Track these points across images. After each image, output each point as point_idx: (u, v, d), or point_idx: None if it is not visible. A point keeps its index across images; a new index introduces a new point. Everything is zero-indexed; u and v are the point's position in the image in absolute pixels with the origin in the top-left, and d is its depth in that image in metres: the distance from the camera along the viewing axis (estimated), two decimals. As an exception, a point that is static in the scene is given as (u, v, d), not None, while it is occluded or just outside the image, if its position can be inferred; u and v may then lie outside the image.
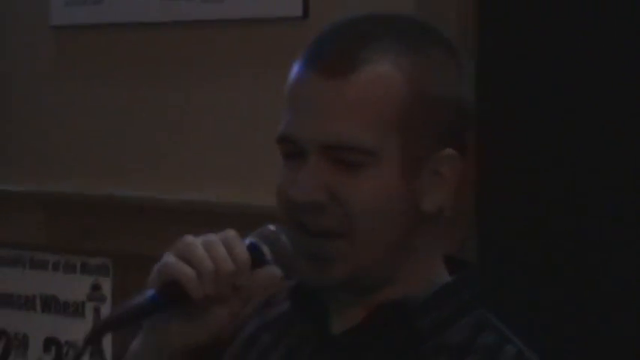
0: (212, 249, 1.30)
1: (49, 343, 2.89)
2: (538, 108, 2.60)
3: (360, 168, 1.33)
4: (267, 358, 1.52)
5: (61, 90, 3.03)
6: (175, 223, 1.66)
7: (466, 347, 1.41)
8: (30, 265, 2.96)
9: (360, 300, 1.43)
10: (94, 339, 1.31)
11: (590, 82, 2.55)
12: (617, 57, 2.56)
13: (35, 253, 2.88)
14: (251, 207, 2.13)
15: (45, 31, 3.05)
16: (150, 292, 1.29)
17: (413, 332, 1.40)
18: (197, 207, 2.56)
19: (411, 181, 1.35)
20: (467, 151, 1.42)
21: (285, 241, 1.36)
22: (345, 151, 1.33)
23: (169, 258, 1.30)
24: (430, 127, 1.36)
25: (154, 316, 1.32)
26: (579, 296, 2.62)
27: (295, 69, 1.38)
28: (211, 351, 1.48)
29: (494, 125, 2.51)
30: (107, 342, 2.74)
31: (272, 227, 1.35)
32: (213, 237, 1.29)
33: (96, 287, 2.80)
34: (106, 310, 2.58)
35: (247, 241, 1.32)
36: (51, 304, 2.91)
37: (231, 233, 1.29)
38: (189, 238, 1.30)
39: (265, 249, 1.34)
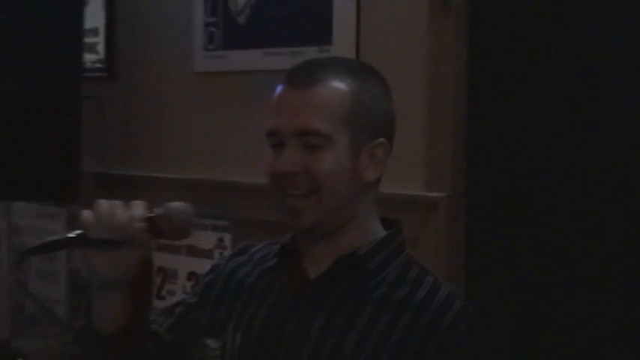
0: (114, 207, 1.54)
1: (190, 275, 3.04)
2: (526, 105, 2.42)
3: (321, 148, 1.60)
4: (260, 299, 1.71)
5: (201, 115, 3.12)
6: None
7: (400, 280, 1.64)
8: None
9: (325, 253, 1.67)
10: (25, 256, 1.65)
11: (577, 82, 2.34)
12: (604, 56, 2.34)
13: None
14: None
15: (189, 77, 3.15)
16: (69, 234, 1.56)
17: (363, 273, 1.64)
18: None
19: (355, 159, 1.62)
20: (393, 140, 1.69)
21: (183, 213, 1.60)
22: (310, 135, 1.60)
23: (83, 213, 1.56)
24: (367, 124, 1.64)
25: (77, 253, 1.74)
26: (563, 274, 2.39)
27: (278, 87, 1.65)
28: (143, 277, 1.67)
29: (485, 115, 2.47)
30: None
31: (179, 204, 1.61)
32: (120, 202, 1.55)
33: (220, 240, 2.94)
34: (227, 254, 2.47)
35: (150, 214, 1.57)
36: (192, 250, 3.01)
37: (138, 202, 1.57)
38: (102, 201, 1.55)
39: (155, 218, 1.57)
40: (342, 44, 2.64)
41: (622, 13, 2.26)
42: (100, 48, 3.42)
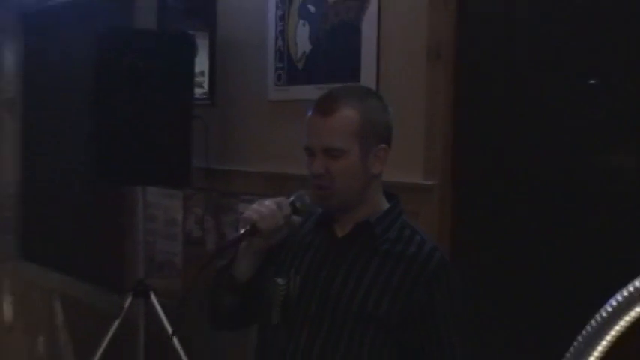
0: (271, 211, 1.60)
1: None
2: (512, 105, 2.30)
3: (339, 157, 1.60)
4: (305, 250, 1.70)
5: (273, 128, 3.10)
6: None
7: (398, 238, 1.65)
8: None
9: (348, 221, 1.67)
10: (206, 265, 1.64)
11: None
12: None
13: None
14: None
15: (265, 104, 3.12)
16: (241, 230, 1.61)
17: (373, 234, 1.65)
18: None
19: (365, 160, 1.63)
20: (391, 144, 1.68)
21: (308, 198, 1.65)
22: (331, 150, 1.60)
23: (249, 215, 1.61)
24: (373, 135, 1.63)
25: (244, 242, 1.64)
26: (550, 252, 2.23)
27: (309, 112, 1.65)
28: (271, 254, 1.68)
29: (472, 115, 2.39)
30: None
31: (302, 191, 1.66)
32: (270, 200, 1.62)
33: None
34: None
35: (290, 199, 1.64)
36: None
37: (281, 199, 1.63)
38: (260, 203, 1.61)
39: (297, 204, 1.64)
40: (367, 81, 2.63)
41: (591, 65, 2.14)
42: (205, 84, 3.43)
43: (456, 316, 1.62)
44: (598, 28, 2.08)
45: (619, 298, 0.57)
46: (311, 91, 2.84)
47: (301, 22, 2.91)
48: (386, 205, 1.69)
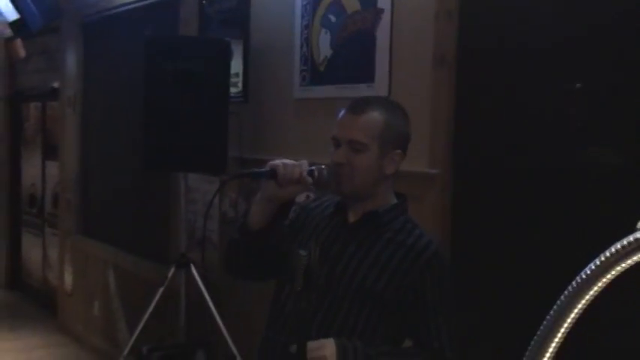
0: (293, 165, 1.57)
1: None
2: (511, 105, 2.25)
3: (360, 152, 1.61)
4: (321, 229, 1.71)
5: (298, 123, 3.08)
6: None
7: (400, 229, 1.66)
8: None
9: (359, 210, 1.67)
10: (229, 181, 1.89)
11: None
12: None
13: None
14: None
15: (291, 101, 3.10)
16: (263, 169, 1.58)
17: (379, 223, 1.66)
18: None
19: (381, 160, 1.63)
20: (406, 150, 1.69)
21: (325, 173, 1.61)
22: (355, 143, 1.61)
23: (275, 162, 1.58)
24: (392, 140, 1.64)
25: (262, 181, 1.60)
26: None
27: (342, 111, 1.67)
28: (286, 206, 1.65)
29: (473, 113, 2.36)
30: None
31: (323, 166, 1.62)
32: (294, 162, 1.58)
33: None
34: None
35: (311, 167, 1.60)
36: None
37: (304, 161, 1.60)
38: (285, 160, 1.57)
39: (315, 173, 1.60)
40: (380, 83, 2.63)
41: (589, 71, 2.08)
42: (239, 84, 3.42)
43: (444, 301, 1.62)
44: (584, 38, 2.06)
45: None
46: (331, 91, 2.87)
47: (323, 30, 2.91)
48: (393, 201, 1.70)
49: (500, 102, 2.29)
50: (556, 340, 0.56)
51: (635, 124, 1.95)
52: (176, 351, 3.12)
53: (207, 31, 3.62)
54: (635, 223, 0.60)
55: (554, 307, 0.57)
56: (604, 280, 0.55)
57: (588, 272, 0.55)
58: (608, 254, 0.55)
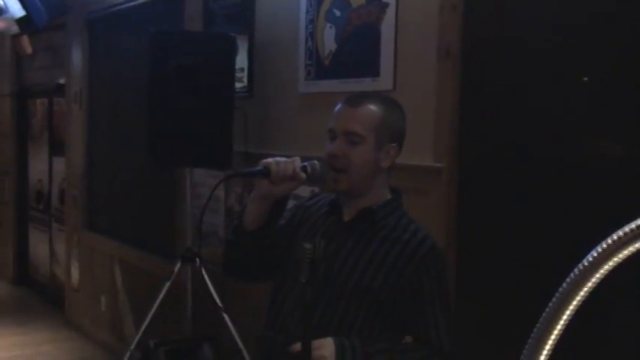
0: (285, 162, 1.56)
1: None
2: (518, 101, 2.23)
3: (356, 144, 1.61)
4: (317, 229, 1.69)
5: (303, 117, 3.08)
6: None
7: (396, 225, 1.65)
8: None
9: (354, 207, 1.66)
10: (221, 182, 1.71)
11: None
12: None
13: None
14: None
15: (297, 96, 3.09)
16: (257, 168, 1.57)
17: (374, 220, 1.65)
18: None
19: (377, 153, 1.63)
20: (402, 145, 1.69)
21: (319, 167, 1.60)
22: (351, 134, 1.60)
23: (268, 160, 1.57)
24: (387, 133, 1.64)
25: (257, 179, 1.58)
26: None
27: (338, 104, 1.67)
28: (281, 204, 1.65)
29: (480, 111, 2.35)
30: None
31: (316, 161, 1.62)
32: (287, 159, 1.57)
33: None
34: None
35: (304, 163, 1.59)
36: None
37: (296, 157, 1.58)
38: (278, 158, 1.56)
39: (308, 168, 1.59)
40: (385, 77, 2.62)
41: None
42: (244, 79, 3.42)
43: (441, 295, 1.62)
44: (590, 32, 2.05)
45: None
46: (336, 85, 2.86)
47: (328, 24, 2.90)
48: (388, 197, 1.70)
49: (505, 95, 2.28)
50: (558, 327, 0.56)
51: (640, 117, 1.95)
52: (182, 345, 3.11)
53: (212, 26, 3.61)
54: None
55: (557, 293, 0.57)
56: (607, 267, 0.54)
57: (591, 259, 0.54)
58: (610, 241, 0.54)
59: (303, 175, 1.58)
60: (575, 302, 0.55)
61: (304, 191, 2.37)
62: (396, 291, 1.58)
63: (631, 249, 0.54)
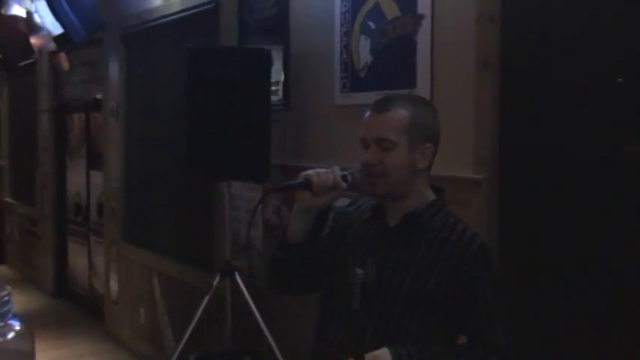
0: (325, 172, 1.58)
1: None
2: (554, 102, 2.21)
3: (389, 150, 1.61)
4: (361, 237, 1.69)
5: (339, 129, 3.06)
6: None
7: (442, 226, 1.64)
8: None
9: (398, 212, 1.65)
10: (262, 200, 1.85)
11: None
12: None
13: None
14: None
15: (333, 108, 3.11)
16: (297, 181, 1.59)
17: (420, 222, 1.64)
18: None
19: (412, 155, 1.62)
20: (437, 145, 1.67)
21: (358, 175, 1.62)
22: (383, 141, 1.60)
23: (308, 172, 1.59)
24: (420, 134, 1.63)
25: (298, 192, 1.59)
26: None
27: (367, 111, 1.67)
28: (323, 215, 1.65)
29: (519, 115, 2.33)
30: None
31: (356, 170, 1.63)
32: (326, 169, 1.59)
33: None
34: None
35: (344, 172, 1.61)
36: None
37: (335, 167, 1.61)
38: (317, 169, 1.58)
39: (348, 177, 1.61)
40: (422, 88, 2.61)
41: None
42: (280, 92, 3.43)
43: (494, 293, 1.61)
44: (624, 36, 2.04)
45: None
46: (372, 97, 2.71)
47: (363, 37, 2.90)
48: (431, 197, 1.68)
49: (545, 103, 2.26)
50: None
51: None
52: (223, 359, 3.13)
53: (247, 39, 3.65)
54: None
55: None
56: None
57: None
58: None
59: (344, 184, 1.58)
60: None
61: (343, 201, 2.37)
62: (449, 292, 1.57)
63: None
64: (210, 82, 3.11)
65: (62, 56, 6.44)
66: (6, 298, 2.92)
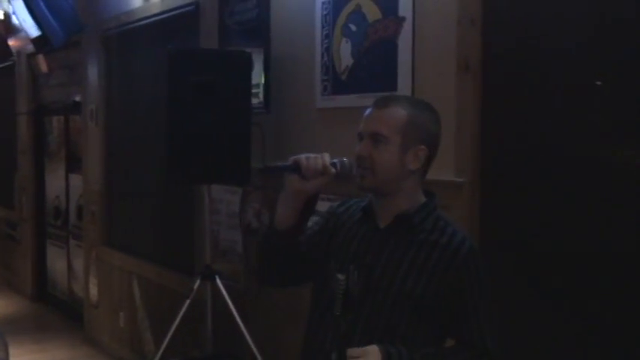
0: (315, 157, 1.57)
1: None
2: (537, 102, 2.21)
3: (381, 144, 1.60)
4: (351, 238, 1.69)
5: (320, 132, 3.07)
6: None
7: (433, 229, 1.63)
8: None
9: (388, 213, 1.65)
10: (261, 174, 1.80)
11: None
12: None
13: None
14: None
15: (314, 111, 3.09)
16: (287, 163, 1.58)
17: (411, 225, 1.64)
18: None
19: (403, 154, 1.62)
20: (434, 151, 1.66)
21: (348, 164, 1.61)
22: (376, 135, 1.60)
23: (298, 156, 1.58)
24: (416, 135, 1.62)
25: (287, 176, 1.58)
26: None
27: (369, 108, 1.67)
28: (311, 202, 1.63)
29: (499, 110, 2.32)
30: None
31: (346, 159, 1.62)
32: (316, 154, 1.58)
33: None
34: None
35: (334, 160, 1.60)
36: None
37: (325, 153, 1.59)
38: (307, 154, 1.58)
39: (337, 164, 1.60)
40: (403, 91, 2.60)
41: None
42: (261, 95, 3.41)
43: (482, 297, 1.61)
44: (603, 40, 2.06)
45: None
46: (353, 100, 2.84)
47: (344, 39, 2.90)
48: (422, 199, 1.68)
49: (526, 105, 2.26)
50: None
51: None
52: (203, 363, 3.11)
53: (228, 42, 3.62)
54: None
55: None
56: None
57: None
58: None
59: (333, 169, 1.58)
60: None
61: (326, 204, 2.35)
62: (438, 295, 1.57)
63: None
64: (191, 84, 3.08)
65: (41, 58, 6.37)
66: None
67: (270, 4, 3.34)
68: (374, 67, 2.75)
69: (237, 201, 3.57)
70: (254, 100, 3.31)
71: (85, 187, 5.56)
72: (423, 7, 2.54)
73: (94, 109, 5.28)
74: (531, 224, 2.24)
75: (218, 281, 3.21)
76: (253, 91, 3.30)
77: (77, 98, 5.72)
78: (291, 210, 1.60)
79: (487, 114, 2.36)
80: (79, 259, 5.82)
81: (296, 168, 1.56)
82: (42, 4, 4.76)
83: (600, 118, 2.06)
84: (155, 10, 4.30)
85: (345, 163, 1.61)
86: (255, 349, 3.05)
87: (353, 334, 1.56)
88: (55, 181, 6.50)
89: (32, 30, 4.91)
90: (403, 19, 2.60)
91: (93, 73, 5.26)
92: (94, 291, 5.37)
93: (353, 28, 2.85)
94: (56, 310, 6.33)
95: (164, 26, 4.26)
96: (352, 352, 1.49)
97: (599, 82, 2.06)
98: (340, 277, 1.43)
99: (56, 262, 6.46)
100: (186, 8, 3.96)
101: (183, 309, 3.18)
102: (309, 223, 1.73)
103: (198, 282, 3.25)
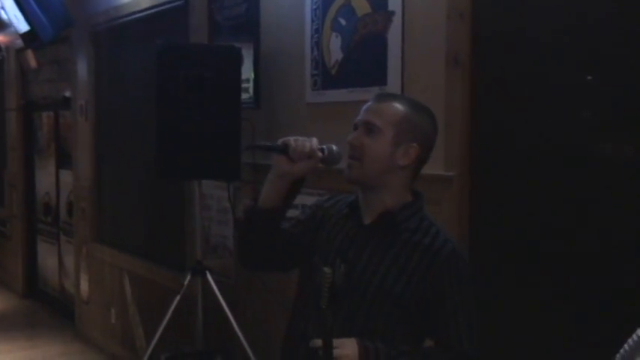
0: (303, 139, 1.61)
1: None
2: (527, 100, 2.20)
3: (373, 134, 1.61)
4: (336, 233, 1.69)
5: (310, 127, 2.99)
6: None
7: (416, 229, 1.63)
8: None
9: (373, 209, 1.65)
10: (250, 151, 1.90)
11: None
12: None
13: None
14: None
15: (303, 106, 3.07)
16: (276, 143, 1.61)
17: (395, 223, 1.63)
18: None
19: (394, 149, 1.62)
20: (425, 148, 1.66)
21: (335, 150, 1.64)
22: (369, 124, 1.61)
23: (287, 138, 1.62)
24: (408, 132, 1.63)
25: (275, 157, 1.60)
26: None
27: (369, 101, 1.69)
28: (297, 183, 1.65)
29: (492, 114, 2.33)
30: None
31: (335, 146, 1.65)
32: (305, 137, 1.62)
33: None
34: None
35: (322, 145, 1.63)
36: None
37: (314, 138, 1.63)
38: (297, 137, 1.61)
39: (325, 149, 1.63)
40: (393, 85, 2.59)
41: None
42: (251, 90, 3.40)
43: (463, 299, 1.60)
44: (594, 34, 2.06)
45: None
46: (343, 95, 2.84)
47: (334, 34, 2.89)
48: (409, 199, 1.67)
49: (516, 100, 2.26)
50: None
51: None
52: (194, 358, 3.10)
53: (218, 37, 3.61)
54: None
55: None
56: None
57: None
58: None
59: (320, 153, 1.59)
60: None
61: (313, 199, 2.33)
62: (418, 295, 1.57)
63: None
64: (180, 79, 3.07)
65: (30, 54, 6.32)
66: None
67: (260, -1, 3.33)
68: (364, 62, 2.74)
69: (227, 196, 3.55)
70: (244, 95, 3.29)
71: (75, 183, 5.53)
72: (412, 1, 2.54)
73: (83, 105, 5.25)
74: (520, 218, 2.24)
75: (209, 276, 3.21)
76: (243, 86, 3.29)
77: (67, 94, 5.69)
78: (276, 192, 1.61)
79: (476, 108, 2.36)
80: (69, 256, 5.80)
81: (284, 149, 1.58)
82: (31, -1, 4.72)
83: (590, 112, 2.06)
84: (144, 5, 4.27)
85: (333, 149, 1.62)
86: (245, 344, 3.04)
87: (332, 332, 1.55)
88: (45, 178, 6.47)
89: (21, 25, 4.87)
90: (393, 13, 2.59)
91: (82, 68, 5.23)
92: (84, 287, 5.36)
93: (343, 22, 2.84)
94: (47, 307, 6.32)
95: (153, 21, 4.24)
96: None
97: (589, 77, 2.06)
98: (327, 270, 1.43)
99: (47, 258, 6.44)
100: (176, 3, 3.95)
101: (174, 304, 3.19)
102: (296, 213, 1.75)
103: (188, 277, 3.24)
